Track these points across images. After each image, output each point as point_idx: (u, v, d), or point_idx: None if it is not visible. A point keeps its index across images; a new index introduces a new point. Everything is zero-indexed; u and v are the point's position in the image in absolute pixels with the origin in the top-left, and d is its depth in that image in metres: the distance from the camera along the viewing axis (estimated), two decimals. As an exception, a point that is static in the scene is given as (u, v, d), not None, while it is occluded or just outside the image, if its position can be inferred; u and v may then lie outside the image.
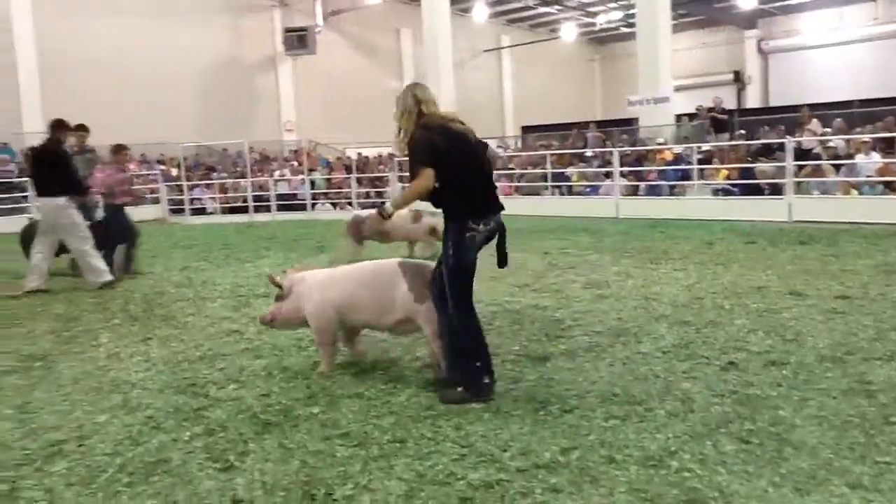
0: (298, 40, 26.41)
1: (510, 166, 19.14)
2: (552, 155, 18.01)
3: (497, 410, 4.02)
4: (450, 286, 4.24)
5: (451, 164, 4.14)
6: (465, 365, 4.25)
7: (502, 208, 4.32)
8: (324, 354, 4.94)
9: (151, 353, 5.63)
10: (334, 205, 19.36)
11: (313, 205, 19.04)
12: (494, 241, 4.35)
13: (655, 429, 3.70)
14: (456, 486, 3.18)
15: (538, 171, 17.73)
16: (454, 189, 4.18)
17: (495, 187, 4.39)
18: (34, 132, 20.97)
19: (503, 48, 36.30)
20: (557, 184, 17.06)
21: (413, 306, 4.61)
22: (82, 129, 9.94)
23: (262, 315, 5.17)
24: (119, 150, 10.15)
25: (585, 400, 4.15)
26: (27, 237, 9.88)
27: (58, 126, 8.68)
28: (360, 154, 23.31)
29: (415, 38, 29.84)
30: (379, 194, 19.17)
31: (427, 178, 4.10)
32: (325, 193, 19.82)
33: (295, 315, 4.91)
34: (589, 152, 18.14)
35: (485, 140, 4.73)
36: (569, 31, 34.39)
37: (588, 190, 16.57)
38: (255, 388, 4.61)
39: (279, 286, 4.95)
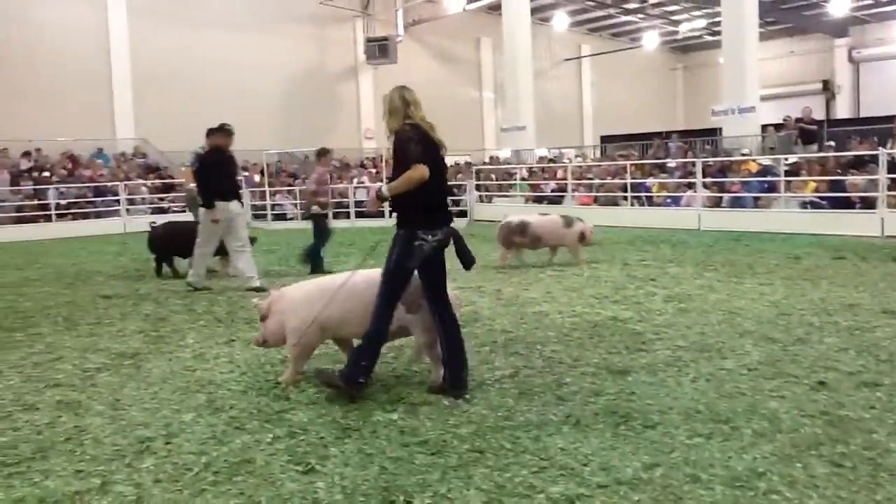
0: (380, 50, 26.84)
1: (588, 176, 18.92)
2: (632, 165, 17.75)
3: (577, 423, 3.96)
4: (383, 283, 4.51)
5: None
6: (359, 354, 4.47)
7: (452, 220, 4.62)
8: (293, 366, 4.94)
9: (235, 354, 5.78)
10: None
11: (391, 212, 19.14)
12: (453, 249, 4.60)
13: (742, 448, 3.59)
14: (535, 499, 3.14)
15: (617, 181, 17.51)
16: (415, 197, 4.41)
17: (448, 203, 4.69)
18: (126, 138, 21.96)
19: (583, 57, 36.01)
20: (637, 194, 16.81)
21: (405, 317, 4.68)
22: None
23: (255, 337, 5.24)
24: (325, 153, 10.32)
25: (668, 416, 4.05)
26: (154, 241, 10.32)
27: (209, 133, 8.86)
28: (437, 162, 23.39)
29: (495, 47, 29.94)
30: (456, 203, 19.20)
31: (422, 171, 4.33)
32: (403, 201, 19.87)
33: (280, 332, 4.92)
34: (671, 163, 17.80)
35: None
36: (650, 40, 33.96)
37: (668, 201, 16.28)
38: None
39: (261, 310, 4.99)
